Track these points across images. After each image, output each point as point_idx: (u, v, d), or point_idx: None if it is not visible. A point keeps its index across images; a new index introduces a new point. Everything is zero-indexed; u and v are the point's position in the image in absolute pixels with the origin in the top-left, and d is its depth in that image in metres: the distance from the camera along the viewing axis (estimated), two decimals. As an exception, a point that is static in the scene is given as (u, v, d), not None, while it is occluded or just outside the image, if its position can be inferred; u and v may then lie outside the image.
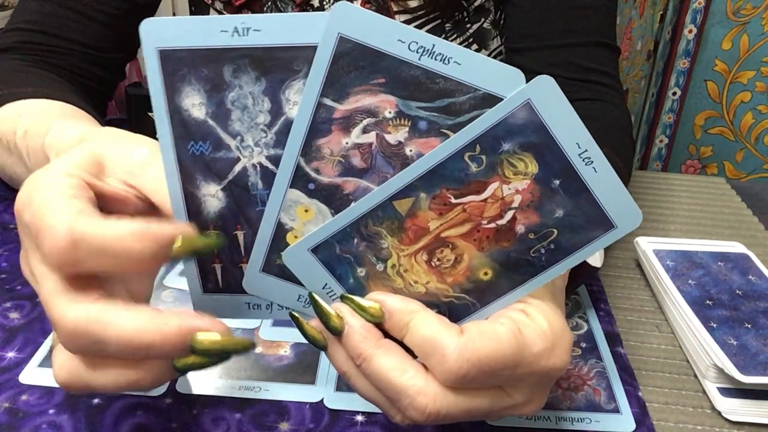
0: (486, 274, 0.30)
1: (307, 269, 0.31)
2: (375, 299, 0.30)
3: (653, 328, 0.48)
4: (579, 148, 0.28)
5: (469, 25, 0.66)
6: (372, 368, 0.29)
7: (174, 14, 2.02)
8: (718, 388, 0.41)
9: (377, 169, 0.29)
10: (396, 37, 0.27)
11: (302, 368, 0.42)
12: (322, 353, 0.33)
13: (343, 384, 0.41)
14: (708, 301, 0.47)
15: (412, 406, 0.29)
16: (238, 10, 0.66)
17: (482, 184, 0.29)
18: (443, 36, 0.66)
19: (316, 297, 0.30)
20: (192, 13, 0.73)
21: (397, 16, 0.65)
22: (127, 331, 0.27)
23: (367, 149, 0.29)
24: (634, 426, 0.39)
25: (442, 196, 0.29)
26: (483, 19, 0.67)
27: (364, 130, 0.29)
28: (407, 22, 0.65)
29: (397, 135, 0.29)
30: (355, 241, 0.30)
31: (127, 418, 0.38)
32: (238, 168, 0.30)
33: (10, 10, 0.65)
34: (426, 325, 0.29)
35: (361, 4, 0.64)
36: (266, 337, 0.44)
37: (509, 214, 0.29)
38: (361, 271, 0.31)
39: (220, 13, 0.68)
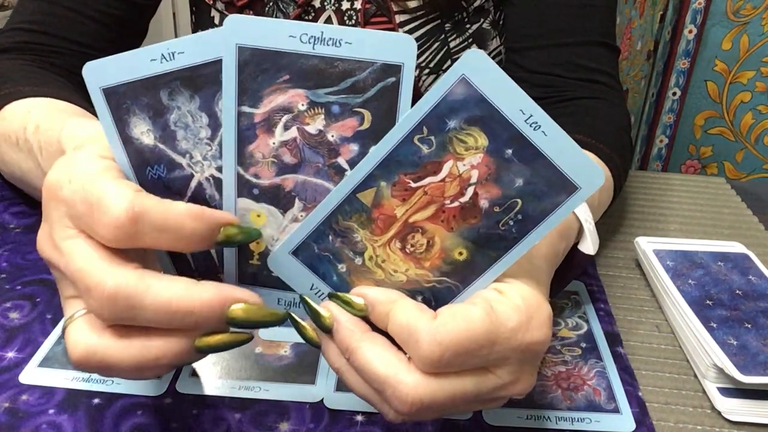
0: (461, 254, 0.30)
1: (292, 272, 0.32)
2: (358, 293, 0.31)
3: (653, 328, 0.48)
4: (523, 114, 0.28)
5: (468, 26, 0.66)
6: (358, 360, 0.30)
7: (174, 14, 2.02)
8: (718, 388, 0.41)
9: (307, 160, 0.30)
10: (287, 34, 0.28)
11: (302, 368, 0.42)
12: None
13: (343, 384, 0.41)
14: (708, 301, 0.47)
15: (394, 395, 0.29)
16: (240, 10, 0.66)
17: (437, 164, 0.29)
18: (443, 36, 0.66)
19: (306, 297, 0.31)
20: (193, 13, 0.73)
21: (396, 17, 0.65)
22: (165, 297, 0.27)
23: (293, 144, 0.30)
24: (634, 426, 0.39)
25: (401, 182, 0.29)
26: (482, 20, 0.67)
27: (285, 127, 0.30)
28: (407, 22, 0.65)
29: (315, 124, 0.30)
30: (330, 238, 0.31)
31: (127, 418, 0.38)
32: (193, 184, 0.31)
33: (10, 10, 0.65)
34: (403, 313, 0.29)
35: (361, 5, 0.64)
36: (266, 337, 0.44)
37: (470, 191, 0.29)
38: (342, 268, 0.31)
39: (221, 13, 0.68)
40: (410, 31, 0.65)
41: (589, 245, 0.43)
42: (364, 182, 0.30)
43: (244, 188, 0.31)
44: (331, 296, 0.31)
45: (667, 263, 0.51)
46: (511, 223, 0.30)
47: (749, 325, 0.44)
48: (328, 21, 0.65)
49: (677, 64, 1.56)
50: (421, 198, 0.30)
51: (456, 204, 0.30)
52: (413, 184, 0.29)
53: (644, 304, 0.50)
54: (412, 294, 0.31)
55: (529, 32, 0.63)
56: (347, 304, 0.30)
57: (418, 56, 0.66)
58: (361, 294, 0.30)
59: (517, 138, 0.28)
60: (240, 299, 0.29)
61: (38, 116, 0.45)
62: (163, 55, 0.29)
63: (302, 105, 0.29)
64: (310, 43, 0.28)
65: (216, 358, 0.42)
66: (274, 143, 0.30)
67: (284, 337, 0.44)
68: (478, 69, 0.28)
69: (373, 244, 0.31)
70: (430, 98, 0.28)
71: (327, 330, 0.30)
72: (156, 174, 0.31)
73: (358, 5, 0.64)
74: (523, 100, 0.28)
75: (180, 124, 0.30)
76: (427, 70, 0.67)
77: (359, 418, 0.39)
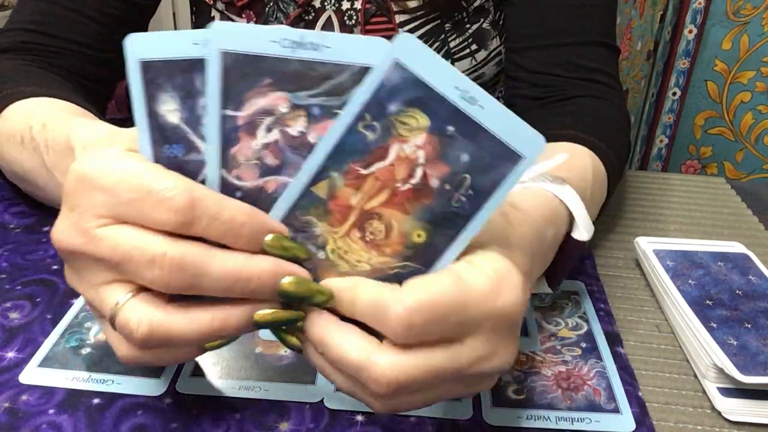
0: (419, 235, 0.31)
1: None
2: (326, 284, 0.31)
3: (653, 328, 0.48)
4: (459, 90, 0.29)
5: (468, 26, 0.66)
6: (332, 352, 0.30)
7: (174, 14, 2.02)
8: (718, 388, 0.41)
9: (289, 162, 0.31)
10: (267, 39, 0.29)
11: (302, 368, 0.42)
12: None
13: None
14: (708, 301, 0.47)
15: (370, 378, 0.29)
16: (240, 10, 0.66)
17: (383, 149, 0.30)
18: (443, 36, 0.66)
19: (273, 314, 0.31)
20: (193, 13, 0.73)
21: (396, 17, 0.65)
22: (229, 265, 0.29)
23: (275, 146, 0.31)
24: (634, 426, 0.39)
25: (351, 170, 0.30)
26: (482, 20, 0.67)
27: (268, 130, 0.30)
28: (407, 22, 0.65)
29: (296, 126, 0.30)
30: (292, 234, 0.31)
31: (127, 418, 0.38)
32: (205, 170, 0.32)
33: (10, 10, 0.65)
34: (367, 291, 0.30)
35: (361, 5, 0.64)
36: (266, 337, 0.44)
37: (419, 171, 0.30)
38: (307, 264, 0.32)
39: (221, 13, 0.68)
40: (410, 31, 0.65)
41: (581, 231, 0.43)
42: (316, 175, 0.30)
43: (228, 190, 0.31)
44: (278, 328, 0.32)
45: (667, 263, 0.51)
46: (464, 198, 0.30)
47: (749, 325, 0.44)
48: (329, 21, 0.65)
49: (677, 64, 1.56)
50: (373, 184, 0.30)
51: (408, 186, 0.30)
52: (363, 171, 0.30)
53: (644, 304, 0.50)
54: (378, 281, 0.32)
55: (529, 32, 0.63)
56: (317, 294, 0.31)
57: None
58: (326, 284, 0.31)
59: (456, 114, 0.29)
60: (293, 272, 0.30)
61: (43, 115, 0.45)
62: (207, 40, 0.30)
63: (284, 107, 0.30)
64: (291, 47, 0.29)
65: (216, 358, 0.42)
66: (256, 145, 0.30)
67: (284, 337, 0.44)
68: (410, 52, 0.28)
69: (334, 236, 0.31)
70: (368, 86, 0.29)
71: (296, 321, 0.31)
72: (173, 153, 0.31)
73: (358, 5, 0.64)
74: (457, 77, 0.29)
75: (206, 111, 0.31)
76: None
77: (359, 418, 0.39)
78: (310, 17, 0.65)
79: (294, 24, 0.65)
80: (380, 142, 0.29)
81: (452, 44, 0.66)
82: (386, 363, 0.29)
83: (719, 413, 0.41)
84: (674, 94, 1.59)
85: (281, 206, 0.31)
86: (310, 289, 0.30)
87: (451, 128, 0.29)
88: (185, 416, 0.38)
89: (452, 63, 0.67)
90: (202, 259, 0.29)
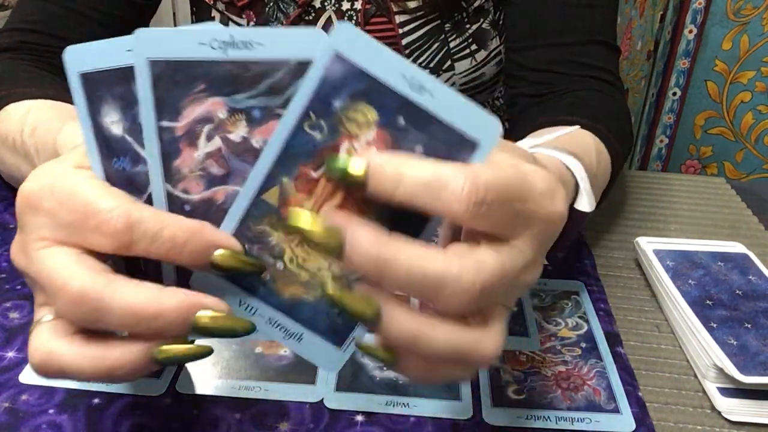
0: None
1: (217, 290, 0.30)
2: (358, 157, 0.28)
3: (653, 328, 0.48)
4: (406, 78, 0.27)
5: (468, 26, 0.66)
6: (400, 269, 0.26)
7: (174, 14, 2.02)
8: (718, 388, 0.41)
9: (236, 170, 0.29)
10: (196, 42, 0.28)
11: (302, 368, 0.42)
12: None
13: (343, 384, 0.41)
14: (708, 301, 0.47)
15: (458, 285, 0.26)
16: (240, 10, 0.66)
17: (333, 148, 0.28)
18: (443, 37, 0.66)
19: (291, 221, 0.28)
20: (193, 13, 0.73)
21: (396, 17, 0.65)
22: (131, 300, 0.27)
23: (218, 154, 0.29)
24: (634, 426, 0.39)
25: (302, 174, 0.28)
26: (482, 20, 0.67)
27: (208, 138, 0.29)
28: (407, 22, 0.65)
29: (238, 132, 0.29)
30: (247, 247, 0.29)
31: (127, 418, 0.38)
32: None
33: (10, 10, 0.65)
34: (422, 167, 0.26)
35: (361, 5, 0.64)
36: (266, 337, 0.44)
37: None
38: (265, 276, 0.30)
39: (221, 13, 0.68)
40: (410, 32, 0.65)
41: (584, 203, 0.43)
42: (266, 182, 0.29)
43: (175, 205, 0.30)
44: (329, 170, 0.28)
45: (667, 263, 0.51)
46: None
47: (749, 325, 0.44)
48: (329, 21, 0.65)
49: (677, 64, 1.56)
50: (325, 187, 0.28)
51: None
52: (314, 174, 0.28)
53: (644, 304, 0.50)
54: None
55: (530, 31, 0.63)
56: (346, 173, 0.27)
57: (418, 57, 0.66)
58: (363, 157, 0.27)
59: (406, 105, 0.27)
60: (207, 306, 0.28)
61: (35, 119, 0.45)
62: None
63: (222, 113, 0.29)
64: (221, 48, 0.28)
65: (216, 358, 0.42)
66: (199, 156, 0.29)
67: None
68: (350, 41, 0.27)
69: (291, 245, 0.29)
70: (309, 82, 0.27)
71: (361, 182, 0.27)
72: (121, 166, 0.30)
73: (358, 5, 0.64)
74: (403, 65, 0.27)
75: (142, 124, 0.30)
76: (427, 71, 0.67)
77: (359, 418, 0.39)
78: (311, 17, 0.65)
79: (294, 24, 0.65)
80: (329, 141, 0.28)
81: (452, 44, 0.66)
82: (471, 264, 0.26)
83: (719, 413, 0.41)
84: (674, 94, 1.59)
85: (233, 216, 0.29)
86: (230, 323, 0.28)
87: (401, 120, 0.28)
88: (185, 416, 0.38)
89: (452, 63, 0.67)
90: (103, 294, 0.27)
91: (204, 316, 0.28)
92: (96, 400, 0.39)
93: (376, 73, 0.27)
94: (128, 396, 0.39)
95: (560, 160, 0.43)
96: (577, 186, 0.43)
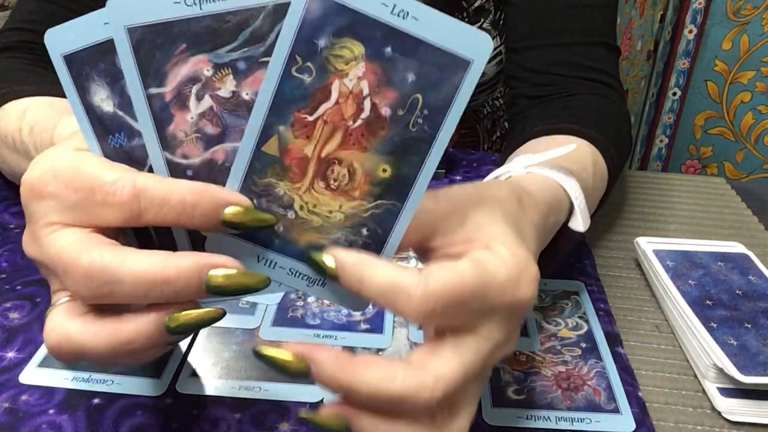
0: (385, 170, 0.29)
1: (233, 250, 0.30)
2: (325, 253, 0.29)
3: (653, 328, 0.48)
4: (386, 7, 0.27)
5: (469, 26, 0.66)
6: (362, 390, 0.27)
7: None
8: (718, 388, 0.41)
9: (231, 126, 0.29)
10: (170, 1, 0.27)
11: (302, 368, 0.42)
12: None
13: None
14: (708, 301, 0.47)
15: (419, 398, 0.27)
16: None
17: (324, 89, 0.28)
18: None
19: (312, 255, 0.30)
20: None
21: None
22: (142, 268, 0.27)
23: (211, 113, 0.29)
24: (634, 426, 0.39)
25: (297, 119, 0.28)
26: (483, 20, 0.67)
27: (198, 98, 0.29)
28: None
29: (226, 87, 0.28)
30: (255, 201, 0.29)
31: (127, 418, 0.38)
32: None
33: (10, 11, 0.65)
34: (382, 272, 0.28)
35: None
36: (266, 337, 0.44)
37: (367, 103, 0.28)
38: (278, 227, 0.30)
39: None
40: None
41: (578, 222, 0.43)
42: (263, 134, 0.28)
43: (177, 172, 0.29)
44: (308, 257, 0.30)
45: (667, 263, 0.51)
46: (420, 121, 0.28)
47: (749, 325, 0.44)
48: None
49: (677, 64, 1.56)
50: (323, 129, 0.28)
51: (359, 122, 0.28)
52: (310, 118, 0.28)
53: (644, 304, 0.50)
54: (356, 229, 0.30)
55: (530, 32, 0.63)
56: (323, 268, 0.29)
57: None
58: (331, 254, 0.29)
59: (391, 33, 0.27)
60: (219, 264, 0.28)
61: (33, 117, 0.45)
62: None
63: (207, 70, 0.28)
64: (197, 4, 0.27)
65: (216, 358, 0.42)
66: (192, 118, 0.29)
67: (284, 337, 0.44)
68: None
69: (298, 193, 0.29)
70: (289, 26, 0.27)
71: (302, 374, 0.29)
72: (117, 142, 0.30)
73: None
74: None
75: (130, 95, 0.29)
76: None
77: (359, 418, 0.39)
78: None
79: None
80: (319, 82, 0.28)
81: (452, 44, 0.66)
82: (429, 379, 0.27)
83: (719, 413, 0.41)
84: (674, 94, 1.59)
85: (236, 174, 0.29)
86: (244, 278, 0.28)
87: (388, 50, 0.27)
88: (185, 416, 0.38)
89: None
90: (111, 265, 0.27)
91: (217, 275, 0.28)
92: (96, 400, 0.39)
93: (356, 4, 0.27)
94: (128, 396, 0.39)
95: (554, 180, 0.43)
96: (571, 205, 0.43)
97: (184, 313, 0.28)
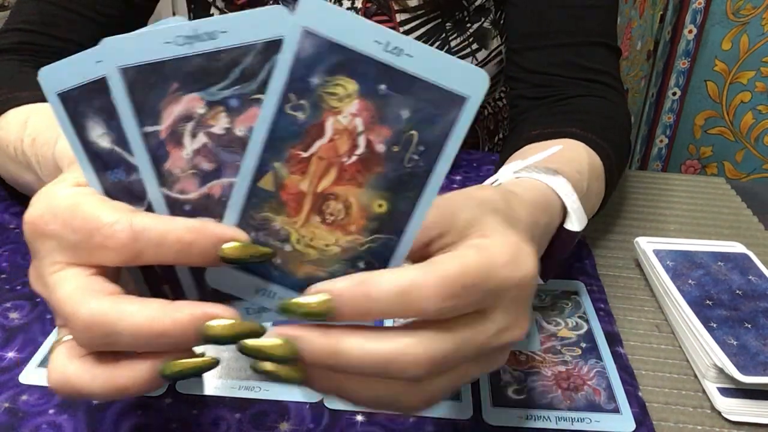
0: (381, 206, 0.29)
1: (232, 282, 0.31)
2: (318, 290, 0.28)
3: (653, 328, 0.48)
4: (380, 44, 0.27)
5: (469, 25, 0.66)
6: (350, 357, 0.27)
7: (174, 14, 2.02)
8: (718, 388, 0.41)
9: (226, 162, 0.29)
10: (161, 41, 0.28)
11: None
12: None
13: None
14: (708, 301, 0.47)
15: (407, 364, 0.27)
16: (240, 9, 0.66)
17: (318, 126, 0.28)
18: (444, 35, 0.66)
19: (250, 344, 0.29)
20: (191, 11, 0.73)
21: (397, 15, 0.65)
22: (139, 321, 0.27)
23: (206, 149, 0.29)
24: (634, 426, 0.39)
25: (292, 156, 0.28)
26: (483, 19, 0.67)
27: (192, 135, 0.29)
28: (408, 21, 0.65)
29: (219, 124, 0.29)
30: (253, 234, 0.30)
31: (127, 418, 0.38)
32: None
33: (9, 11, 0.65)
34: (385, 280, 0.27)
35: (362, 4, 0.64)
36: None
37: (362, 140, 0.28)
38: (276, 260, 0.30)
39: (221, 12, 0.68)
40: (411, 30, 0.65)
41: (573, 222, 0.43)
42: (258, 170, 0.29)
43: (176, 207, 0.30)
44: (282, 309, 0.29)
45: (667, 263, 0.51)
46: (416, 157, 0.28)
47: (749, 325, 0.44)
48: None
49: (677, 64, 1.56)
50: (318, 165, 0.28)
51: (354, 158, 0.28)
52: (305, 154, 0.28)
53: (644, 304, 0.50)
54: (353, 261, 0.30)
55: (530, 32, 0.63)
56: (309, 315, 0.28)
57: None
58: (322, 290, 0.28)
59: (385, 70, 0.27)
60: (216, 315, 0.28)
61: (35, 128, 0.45)
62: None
63: (200, 108, 0.28)
64: (187, 44, 0.28)
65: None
66: (187, 154, 0.29)
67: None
68: (317, 14, 0.26)
69: (294, 227, 0.29)
70: (282, 64, 0.27)
71: (292, 357, 0.28)
72: (116, 177, 0.30)
73: (358, 4, 0.64)
74: (375, 30, 0.26)
75: (126, 133, 0.30)
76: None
77: (359, 418, 0.39)
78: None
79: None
80: (313, 119, 0.28)
81: (453, 43, 0.66)
82: (421, 343, 0.27)
83: (719, 413, 0.41)
84: (674, 94, 1.59)
85: (233, 210, 0.29)
86: (241, 328, 0.28)
87: (383, 87, 0.27)
88: (185, 416, 0.38)
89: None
90: (110, 318, 0.27)
91: (214, 326, 0.28)
92: (96, 400, 0.39)
93: (349, 42, 0.27)
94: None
95: (543, 182, 0.43)
96: (564, 204, 0.43)
97: (179, 361, 0.28)
